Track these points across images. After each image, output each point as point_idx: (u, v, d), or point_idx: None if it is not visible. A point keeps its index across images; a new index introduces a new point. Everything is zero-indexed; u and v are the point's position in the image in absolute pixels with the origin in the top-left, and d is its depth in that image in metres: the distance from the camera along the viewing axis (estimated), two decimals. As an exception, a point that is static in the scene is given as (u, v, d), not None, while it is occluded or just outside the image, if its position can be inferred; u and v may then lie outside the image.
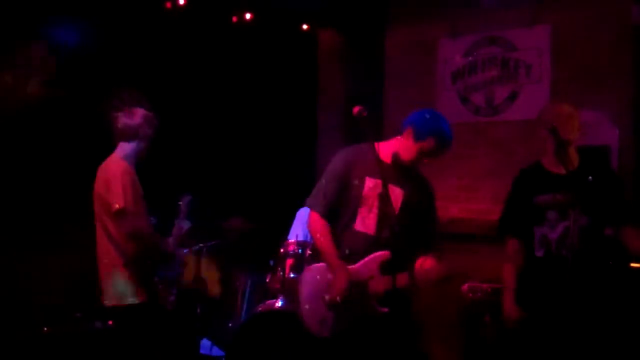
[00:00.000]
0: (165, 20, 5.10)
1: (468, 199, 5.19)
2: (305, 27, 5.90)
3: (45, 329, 4.15)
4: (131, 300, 3.39)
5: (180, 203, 3.88)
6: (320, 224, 3.13)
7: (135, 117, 3.57)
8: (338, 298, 2.95)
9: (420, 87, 5.53)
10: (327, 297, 2.97)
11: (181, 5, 5.04)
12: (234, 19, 5.47)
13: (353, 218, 3.09)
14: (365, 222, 3.08)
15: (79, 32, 4.72)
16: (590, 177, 3.14)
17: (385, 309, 3.00)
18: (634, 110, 4.42)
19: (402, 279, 2.98)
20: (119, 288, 3.40)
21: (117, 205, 3.33)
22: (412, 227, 3.08)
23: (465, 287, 4.41)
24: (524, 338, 3.31)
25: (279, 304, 4.10)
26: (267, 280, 4.46)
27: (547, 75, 4.82)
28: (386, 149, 3.17)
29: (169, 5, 5.04)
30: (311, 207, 3.17)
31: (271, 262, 4.45)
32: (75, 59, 4.73)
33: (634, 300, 3.62)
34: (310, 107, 5.95)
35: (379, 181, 3.04)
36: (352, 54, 5.84)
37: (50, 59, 4.65)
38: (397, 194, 3.11)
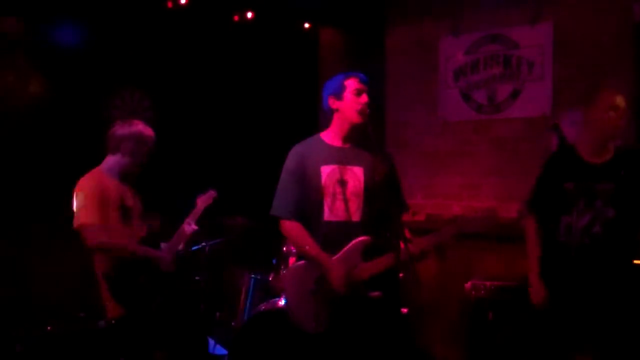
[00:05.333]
0: (167, 19, 5.10)
1: (470, 197, 5.18)
2: (306, 25, 5.90)
3: (49, 328, 4.15)
4: (109, 314, 3.39)
5: (198, 200, 3.83)
6: (292, 227, 3.09)
7: (124, 129, 3.52)
8: (342, 289, 2.94)
9: (422, 85, 5.52)
10: (334, 291, 2.96)
11: (183, 4, 5.04)
12: (236, 17, 5.47)
13: (320, 210, 3.05)
14: (334, 210, 3.04)
15: (81, 31, 4.72)
16: (622, 172, 3.15)
17: (378, 293, 2.99)
18: (637, 108, 4.42)
19: (388, 259, 2.96)
20: (100, 302, 3.42)
21: (74, 223, 3.34)
22: (382, 201, 3.03)
23: (468, 285, 4.42)
24: (547, 323, 3.31)
25: (282, 302, 4.10)
26: (270, 279, 4.46)
27: (549, 73, 4.81)
28: (331, 135, 3.16)
29: (170, 4, 5.04)
30: (278, 215, 3.13)
31: (274, 261, 4.45)
32: (77, 58, 4.73)
33: None
34: (312, 106, 5.95)
35: (335, 166, 3.05)
36: (353, 52, 5.83)
37: (54, 58, 4.65)
38: (358, 173, 3.07)
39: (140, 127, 3.55)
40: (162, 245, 3.64)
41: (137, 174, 3.63)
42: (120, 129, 3.53)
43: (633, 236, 3.25)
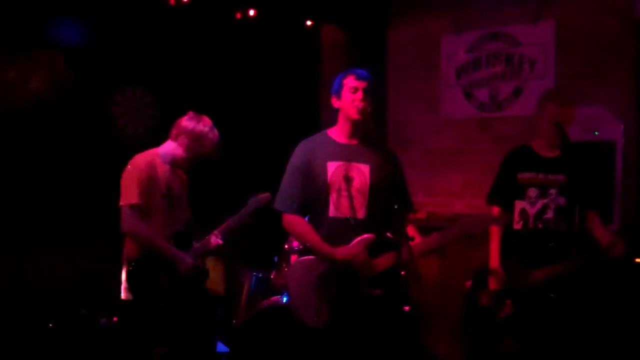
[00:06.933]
0: (168, 16, 5.10)
1: (472, 195, 5.19)
2: (308, 23, 5.89)
3: (50, 325, 4.16)
4: (122, 296, 3.45)
5: (250, 200, 3.79)
6: (295, 221, 3.12)
7: (189, 122, 3.55)
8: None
9: (424, 83, 5.53)
10: (336, 287, 2.97)
11: (185, 1, 5.04)
12: (238, 15, 5.47)
13: (326, 206, 3.06)
14: (339, 206, 3.05)
15: (82, 29, 4.72)
16: (571, 166, 3.50)
17: (379, 291, 3.00)
18: (639, 106, 4.41)
19: (391, 257, 2.98)
20: (122, 282, 3.46)
21: (120, 202, 3.36)
22: (387, 199, 3.04)
23: (469, 282, 4.41)
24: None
25: (283, 300, 4.10)
26: (272, 277, 4.46)
27: (551, 71, 4.81)
28: (338, 132, 3.18)
29: (172, 1, 5.04)
30: (281, 210, 3.15)
31: (275, 259, 4.45)
32: (78, 55, 4.73)
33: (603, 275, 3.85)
34: (313, 103, 5.95)
35: (341, 163, 3.06)
36: (355, 50, 5.82)
37: (55, 55, 4.65)
38: (363, 170, 3.08)
39: (203, 129, 3.56)
40: (194, 244, 3.66)
41: (189, 167, 3.66)
42: (186, 121, 3.56)
43: (578, 223, 3.54)
